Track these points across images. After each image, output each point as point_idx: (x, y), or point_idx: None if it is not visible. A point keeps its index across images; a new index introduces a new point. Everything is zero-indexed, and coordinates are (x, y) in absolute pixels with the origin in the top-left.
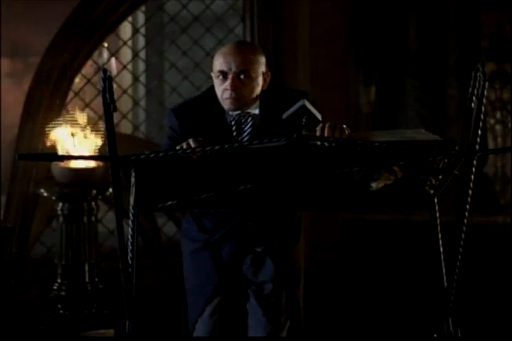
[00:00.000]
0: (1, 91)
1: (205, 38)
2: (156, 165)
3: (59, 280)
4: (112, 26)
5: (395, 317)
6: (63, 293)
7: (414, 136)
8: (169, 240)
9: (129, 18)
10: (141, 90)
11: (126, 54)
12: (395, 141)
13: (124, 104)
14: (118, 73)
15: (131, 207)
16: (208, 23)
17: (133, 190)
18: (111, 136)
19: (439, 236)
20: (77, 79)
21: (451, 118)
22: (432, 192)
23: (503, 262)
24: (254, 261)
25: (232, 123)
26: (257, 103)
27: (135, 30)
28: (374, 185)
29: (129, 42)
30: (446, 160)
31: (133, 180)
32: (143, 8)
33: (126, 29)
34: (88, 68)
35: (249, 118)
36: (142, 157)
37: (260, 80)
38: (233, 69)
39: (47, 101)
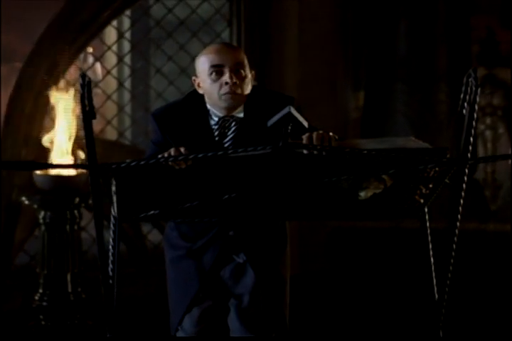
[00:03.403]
0: None
1: (191, 42)
2: (138, 174)
3: (41, 291)
4: (96, 31)
5: (386, 327)
6: (45, 304)
7: (404, 143)
8: (154, 248)
9: (114, 23)
10: (126, 96)
11: (111, 59)
12: (384, 149)
13: (109, 109)
14: (102, 78)
15: (112, 217)
16: (194, 28)
17: (114, 199)
18: (90, 143)
19: (430, 246)
20: (61, 85)
21: (440, 124)
22: (422, 201)
23: (495, 270)
24: (234, 272)
25: (215, 127)
26: (242, 106)
27: (120, 35)
28: (363, 193)
29: (114, 47)
30: (436, 169)
31: (114, 188)
32: (128, 12)
33: (111, 34)
34: (73, 73)
35: (233, 123)
36: (123, 165)
37: (250, 79)
38: (229, 62)
39: (30, 108)
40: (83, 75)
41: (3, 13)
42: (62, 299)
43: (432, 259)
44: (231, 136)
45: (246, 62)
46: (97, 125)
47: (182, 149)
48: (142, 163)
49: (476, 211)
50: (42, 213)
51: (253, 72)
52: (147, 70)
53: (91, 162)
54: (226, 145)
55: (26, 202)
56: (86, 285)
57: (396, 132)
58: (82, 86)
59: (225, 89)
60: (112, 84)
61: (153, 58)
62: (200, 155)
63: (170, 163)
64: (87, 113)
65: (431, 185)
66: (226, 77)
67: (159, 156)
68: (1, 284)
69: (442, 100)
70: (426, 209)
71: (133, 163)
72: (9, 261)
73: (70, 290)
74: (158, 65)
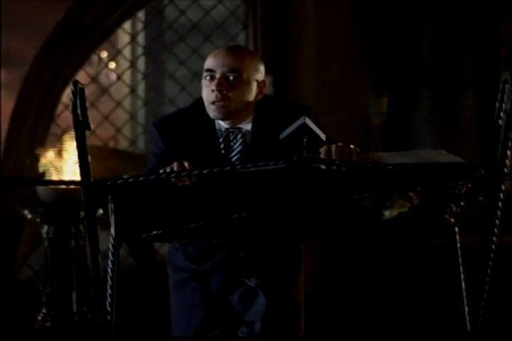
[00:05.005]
0: None
1: (205, 46)
2: (137, 191)
3: (44, 310)
4: (105, 34)
5: None
6: (48, 324)
7: (432, 157)
8: (165, 262)
9: (126, 27)
10: (138, 102)
11: (123, 64)
12: (410, 164)
13: (120, 117)
14: (113, 84)
15: (111, 238)
16: (208, 31)
17: (112, 218)
18: (82, 157)
19: (461, 269)
20: (69, 90)
21: (466, 131)
22: (452, 220)
23: None
24: (244, 297)
25: (220, 140)
26: (251, 117)
27: (131, 39)
28: (387, 213)
29: (125, 52)
30: (469, 185)
31: (111, 207)
32: (140, 15)
33: (122, 38)
34: (83, 79)
35: (239, 135)
36: (119, 182)
37: (254, 88)
38: (222, 67)
39: (34, 114)
40: (75, 82)
41: (12, 16)
42: (66, 319)
43: (463, 284)
44: (238, 149)
45: (251, 68)
46: (107, 132)
47: (186, 164)
48: (141, 179)
49: (505, 222)
50: (45, 227)
51: (265, 80)
52: (159, 75)
53: (84, 178)
54: (233, 159)
55: (29, 216)
56: (91, 304)
57: (420, 140)
58: (74, 93)
59: (211, 97)
60: (123, 90)
61: (165, 63)
62: (205, 171)
63: (172, 179)
64: (80, 123)
65: (462, 203)
66: (213, 84)
67: (160, 172)
68: (2, 301)
69: (469, 106)
70: (457, 229)
71: (131, 179)
72: (11, 277)
73: (74, 309)
74: (170, 70)
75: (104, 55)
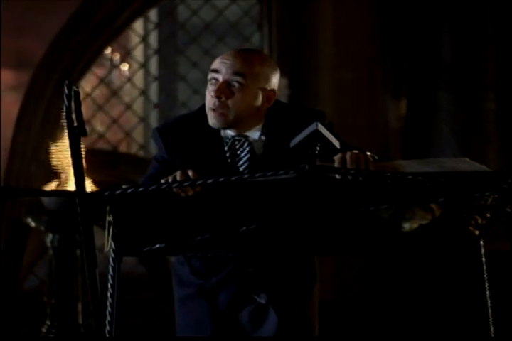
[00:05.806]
0: (7, 103)
1: (218, 47)
2: (137, 202)
3: (48, 322)
4: (114, 34)
5: None
6: (53, 337)
7: (455, 165)
8: None
9: (137, 27)
10: (149, 105)
11: (133, 66)
12: (432, 173)
13: (130, 120)
14: (123, 86)
15: (111, 251)
16: (221, 31)
17: (109, 230)
18: (77, 166)
19: (486, 285)
20: None
21: (488, 134)
22: (477, 233)
23: None
24: (254, 314)
25: (226, 148)
26: (260, 125)
27: (142, 40)
28: (407, 225)
29: (136, 53)
30: (496, 196)
31: (109, 218)
32: (152, 16)
33: (133, 39)
34: (93, 81)
35: (246, 144)
36: (117, 192)
37: (259, 96)
38: (226, 70)
39: (41, 118)
40: (69, 84)
41: (18, 17)
42: (71, 332)
43: (488, 301)
44: (245, 158)
45: (258, 75)
46: (116, 136)
47: (190, 173)
48: (141, 189)
49: None
50: (49, 236)
51: (274, 90)
52: (171, 77)
53: (79, 188)
54: (241, 168)
55: (32, 224)
56: None
57: (440, 143)
58: (68, 97)
59: (210, 103)
60: (133, 92)
61: (177, 64)
62: (210, 181)
63: (174, 189)
64: (75, 129)
65: (488, 215)
66: (213, 89)
67: (162, 181)
68: (7, 310)
69: (490, 109)
70: (482, 243)
71: (130, 190)
72: (16, 286)
73: (80, 321)
74: (182, 72)
75: (115, 56)
